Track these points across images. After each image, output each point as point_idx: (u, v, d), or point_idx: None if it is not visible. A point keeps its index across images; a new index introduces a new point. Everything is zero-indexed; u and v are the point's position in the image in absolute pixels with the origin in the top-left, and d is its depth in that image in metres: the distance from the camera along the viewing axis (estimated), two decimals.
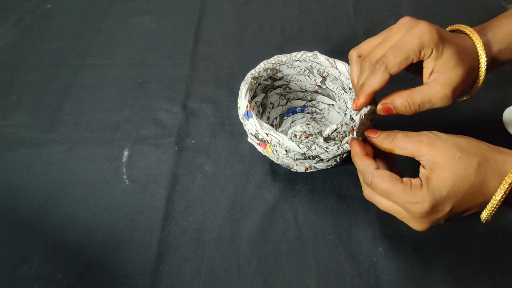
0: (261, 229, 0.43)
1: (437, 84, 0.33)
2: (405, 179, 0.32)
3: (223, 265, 0.40)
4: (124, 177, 0.47)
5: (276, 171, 0.47)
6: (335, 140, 0.38)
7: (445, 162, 0.31)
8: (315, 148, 0.38)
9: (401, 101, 0.34)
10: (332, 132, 0.37)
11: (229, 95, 0.55)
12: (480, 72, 0.36)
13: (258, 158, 0.47)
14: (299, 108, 0.51)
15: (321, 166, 0.43)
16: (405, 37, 0.33)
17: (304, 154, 0.39)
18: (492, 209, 0.31)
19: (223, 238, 0.42)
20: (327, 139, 0.38)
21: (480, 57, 0.35)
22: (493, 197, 0.31)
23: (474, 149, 0.31)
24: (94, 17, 0.65)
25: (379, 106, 0.36)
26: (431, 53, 0.33)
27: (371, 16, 0.65)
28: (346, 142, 0.38)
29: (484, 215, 0.32)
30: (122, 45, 0.61)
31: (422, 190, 0.31)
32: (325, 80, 0.47)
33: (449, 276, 0.39)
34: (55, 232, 0.43)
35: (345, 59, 0.59)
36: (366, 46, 0.38)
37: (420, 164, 0.33)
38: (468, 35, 0.36)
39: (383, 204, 0.34)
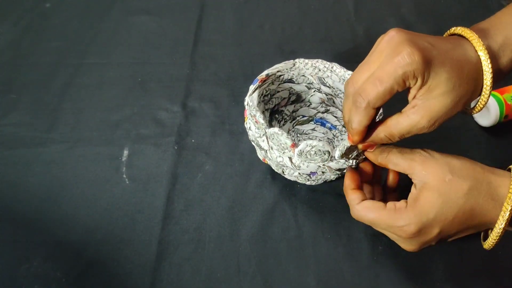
0: (261, 228, 0.43)
1: (415, 114, 0.30)
2: (388, 204, 0.32)
3: (223, 264, 0.40)
4: (124, 176, 0.47)
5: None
6: (348, 158, 0.38)
7: (435, 183, 0.30)
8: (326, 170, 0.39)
9: (382, 137, 0.32)
10: (343, 154, 0.37)
11: (229, 94, 0.55)
12: (485, 89, 0.31)
13: (258, 157, 0.47)
14: (329, 125, 0.50)
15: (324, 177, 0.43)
16: (388, 66, 0.29)
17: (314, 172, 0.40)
18: (496, 237, 0.30)
19: (223, 237, 0.42)
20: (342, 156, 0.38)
21: (484, 74, 0.30)
22: (496, 226, 0.30)
23: (467, 171, 0.31)
24: (94, 16, 0.65)
25: (360, 146, 0.35)
26: (416, 82, 0.29)
27: (371, 16, 0.65)
28: (352, 158, 0.38)
29: (489, 243, 0.31)
30: (122, 44, 0.61)
31: (407, 212, 0.31)
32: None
33: (449, 275, 0.40)
34: (55, 231, 0.43)
35: (345, 59, 0.59)
36: (357, 75, 0.32)
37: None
38: (469, 41, 0.31)
39: (374, 228, 0.35)
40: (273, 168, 0.44)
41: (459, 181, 0.30)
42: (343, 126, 0.49)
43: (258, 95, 0.42)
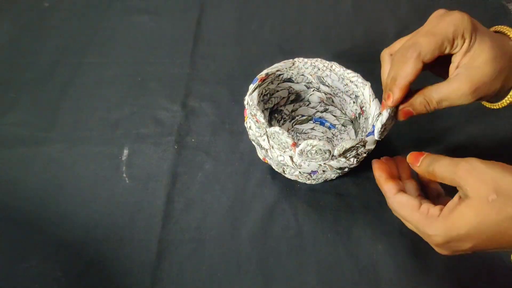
0: (261, 227, 0.43)
1: (457, 81, 0.31)
2: (423, 206, 0.31)
3: (224, 263, 0.40)
4: (124, 175, 0.47)
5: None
6: (347, 157, 0.38)
7: (476, 200, 0.28)
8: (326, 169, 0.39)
9: (419, 100, 0.33)
10: (344, 151, 0.37)
11: (229, 94, 0.55)
12: None
13: (258, 156, 0.47)
14: (328, 124, 0.50)
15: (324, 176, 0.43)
16: (439, 24, 0.31)
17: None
18: None
19: (223, 236, 0.42)
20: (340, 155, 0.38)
21: None
22: None
23: None
24: (93, 15, 0.65)
25: (399, 112, 0.35)
26: (463, 44, 0.31)
27: (371, 16, 0.65)
28: (353, 157, 0.39)
29: None
30: (121, 44, 0.61)
31: (437, 222, 0.29)
32: (362, 115, 0.46)
33: (449, 274, 0.40)
34: (55, 230, 0.43)
35: (345, 59, 0.59)
36: (398, 43, 0.36)
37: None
38: (509, 37, 0.33)
39: (405, 223, 0.34)
40: (273, 167, 0.44)
41: (505, 202, 0.27)
42: (342, 125, 0.49)
43: (258, 94, 0.42)
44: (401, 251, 0.41)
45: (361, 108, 0.45)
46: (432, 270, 0.40)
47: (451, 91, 0.31)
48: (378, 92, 0.44)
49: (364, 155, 0.39)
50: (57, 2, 0.67)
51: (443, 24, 0.31)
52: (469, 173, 0.29)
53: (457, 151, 0.49)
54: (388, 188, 0.35)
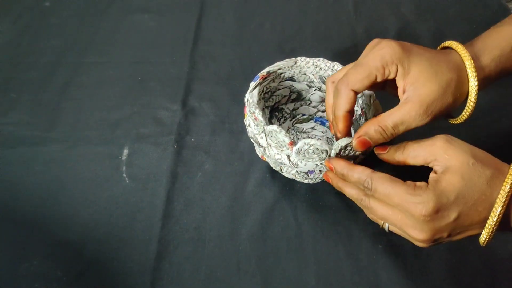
0: (261, 227, 0.43)
1: (408, 103, 0.32)
2: (408, 181, 0.31)
3: (223, 263, 0.40)
4: (124, 175, 0.47)
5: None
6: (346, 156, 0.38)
7: (458, 166, 0.29)
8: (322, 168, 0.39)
9: (374, 129, 0.33)
10: (340, 150, 0.37)
11: (229, 93, 0.55)
12: (471, 88, 0.33)
13: (257, 156, 0.47)
14: (329, 124, 0.50)
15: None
16: (368, 55, 0.33)
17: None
18: (490, 230, 0.29)
19: (223, 236, 0.42)
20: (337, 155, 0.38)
21: (468, 70, 0.33)
22: (490, 218, 0.29)
23: (489, 159, 0.30)
24: (93, 15, 0.65)
25: (354, 142, 0.34)
26: (397, 70, 0.32)
27: (371, 15, 0.65)
28: (348, 158, 0.38)
29: (483, 237, 0.30)
30: (121, 43, 0.61)
31: (427, 190, 0.29)
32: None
33: (449, 274, 0.40)
34: (55, 230, 0.43)
35: (345, 58, 0.59)
36: (341, 72, 0.37)
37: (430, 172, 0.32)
38: (455, 50, 0.34)
39: (383, 212, 0.32)
40: (271, 165, 0.44)
41: (483, 166, 0.29)
42: None
43: (259, 92, 0.42)
44: (402, 251, 0.41)
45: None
46: (432, 270, 0.40)
47: (404, 114, 0.32)
48: (379, 94, 0.43)
49: (362, 156, 0.39)
50: (58, 1, 0.67)
51: (371, 55, 0.33)
52: (448, 144, 0.30)
53: None
54: (362, 169, 0.33)
